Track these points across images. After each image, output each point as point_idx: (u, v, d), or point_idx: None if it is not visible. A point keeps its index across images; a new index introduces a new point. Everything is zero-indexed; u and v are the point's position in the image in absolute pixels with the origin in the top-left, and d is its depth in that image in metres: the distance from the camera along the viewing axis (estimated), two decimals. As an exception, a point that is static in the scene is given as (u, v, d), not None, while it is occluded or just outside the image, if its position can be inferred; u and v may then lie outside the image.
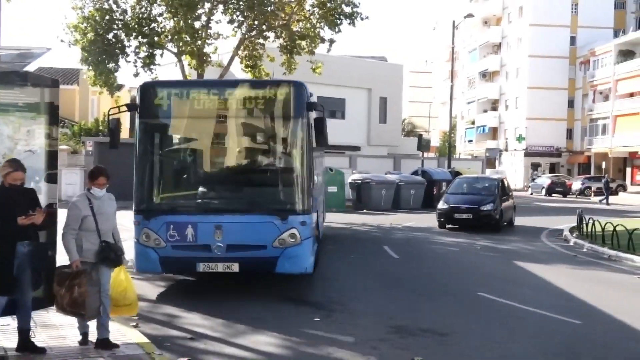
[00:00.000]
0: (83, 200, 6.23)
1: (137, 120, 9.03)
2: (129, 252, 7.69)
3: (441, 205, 19.66)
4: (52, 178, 6.74)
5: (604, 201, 35.81)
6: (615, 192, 44.55)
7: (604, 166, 57.48)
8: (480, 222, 18.72)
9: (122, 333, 6.58)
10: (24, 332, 5.88)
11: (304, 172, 8.98)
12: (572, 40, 63.33)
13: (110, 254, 6.19)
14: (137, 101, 9.02)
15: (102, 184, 6.26)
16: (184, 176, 10.05)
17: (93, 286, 6.10)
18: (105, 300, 6.21)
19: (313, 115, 9.43)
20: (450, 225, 19.15)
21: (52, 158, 6.75)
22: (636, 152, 52.57)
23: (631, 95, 53.98)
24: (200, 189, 9.64)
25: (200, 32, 21.89)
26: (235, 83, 10.82)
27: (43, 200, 6.61)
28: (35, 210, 5.72)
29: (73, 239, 6.11)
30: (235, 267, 8.63)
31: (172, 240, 8.60)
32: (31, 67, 7.42)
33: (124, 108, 9.21)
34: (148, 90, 9.17)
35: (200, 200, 9.47)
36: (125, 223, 6.92)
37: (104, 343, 6.20)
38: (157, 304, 8.70)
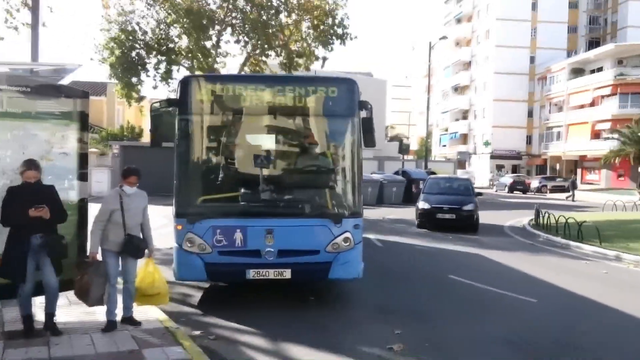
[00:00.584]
0: (114, 195, 6.14)
1: (177, 117, 7.28)
2: (160, 242, 7.31)
3: (422, 205, 17.24)
4: (83, 177, 6.76)
5: (570, 198, 35.94)
6: (568, 190, 44.75)
7: (557, 167, 57.93)
8: (462, 222, 16.71)
9: (144, 311, 6.58)
10: (47, 314, 5.84)
11: (355, 173, 7.45)
12: (532, 59, 63.59)
13: (131, 247, 6.06)
14: (177, 96, 7.30)
15: (133, 183, 6.16)
16: (230, 177, 7.84)
17: (99, 277, 5.95)
18: (131, 286, 6.20)
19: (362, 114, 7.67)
20: (429, 226, 16.97)
21: (83, 159, 6.77)
22: (585, 155, 52.91)
23: (581, 107, 54.27)
24: (248, 191, 7.70)
25: (211, 50, 21.88)
26: (285, 78, 9.08)
27: (75, 195, 6.63)
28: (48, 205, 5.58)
29: (99, 231, 6.03)
30: (287, 274, 7.11)
31: (219, 245, 7.01)
32: (65, 81, 7.38)
33: (165, 104, 7.45)
34: (189, 84, 7.31)
35: (248, 203, 7.53)
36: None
37: (128, 320, 6.24)
38: (173, 285, 8.57)
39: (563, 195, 36.47)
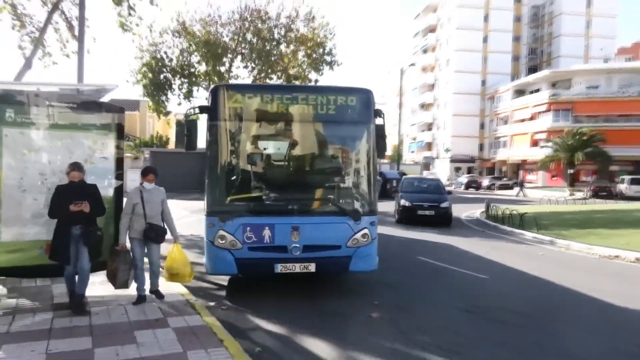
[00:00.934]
0: (136, 191, 6.05)
1: (208, 122, 6.49)
2: (183, 230, 7.08)
3: (403, 202, 15.81)
4: (119, 177, 6.66)
5: (521, 194, 36.08)
6: (510, 188, 45.08)
7: (504, 169, 58.22)
8: (440, 218, 15.50)
9: (168, 286, 6.50)
10: (77, 295, 5.61)
11: (371, 174, 6.86)
12: (483, 82, 63.97)
13: (152, 234, 5.95)
14: (209, 103, 6.52)
15: (151, 180, 6.07)
16: (257, 178, 6.79)
17: (125, 265, 5.85)
18: (155, 267, 6.12)
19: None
20: (407, 221, 15.61)
21: (119, 162, 6.67)
22: (526, 159, 53.25)
23: (522, 121, 54.61)
24: (275, 191, 6.77)
25: (224, 74, 21.79)
26: (308, 88, 8.33)
27: (113, 192, 6.55)
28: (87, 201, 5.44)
29: (126, 223, 5.92)
30: (312, 267, 6.36)
31: (249, 241, 6.23)
32: (105, 99, 7.29)
33: (197, 111, 6.63)
34: (219, 92, 6.47)
35: (276, 202, 6.60)
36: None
37: (155, 292, 6.19)
38: (193, 264, 8.52)
39: (509, 192, 36.63)
